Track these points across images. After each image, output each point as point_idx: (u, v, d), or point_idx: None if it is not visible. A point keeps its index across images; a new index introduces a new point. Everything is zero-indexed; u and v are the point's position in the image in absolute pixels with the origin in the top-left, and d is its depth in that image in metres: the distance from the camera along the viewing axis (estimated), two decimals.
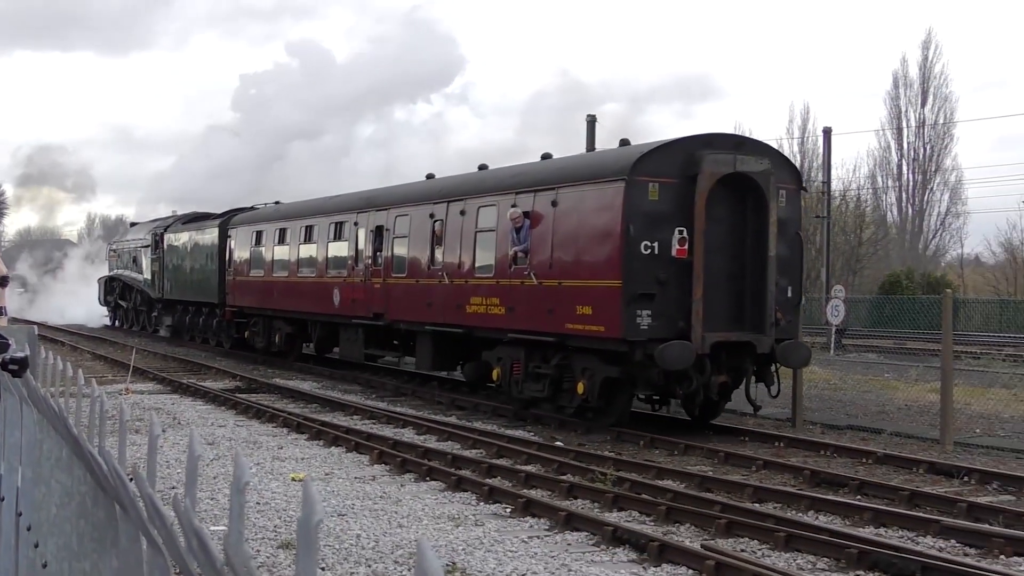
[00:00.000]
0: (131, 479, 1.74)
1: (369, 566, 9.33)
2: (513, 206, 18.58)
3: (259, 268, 31.08)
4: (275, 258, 30.03)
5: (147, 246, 41.97)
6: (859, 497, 12.58)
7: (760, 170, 16.54)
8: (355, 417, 19.59)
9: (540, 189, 18.33)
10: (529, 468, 14.25)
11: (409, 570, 9.22)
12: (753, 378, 17.34)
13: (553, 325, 17.52)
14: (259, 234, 31.46)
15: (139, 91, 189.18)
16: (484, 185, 20.69)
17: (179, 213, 43.38)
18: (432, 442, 16.66)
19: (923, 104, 69.02)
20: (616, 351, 16.48)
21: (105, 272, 50.82)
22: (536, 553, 9.95)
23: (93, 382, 2.67)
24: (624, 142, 19.04)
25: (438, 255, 21.29)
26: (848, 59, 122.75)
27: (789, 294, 17.15)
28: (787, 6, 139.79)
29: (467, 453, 15.56)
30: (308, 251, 28.03)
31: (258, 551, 9.57)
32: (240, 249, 32.63)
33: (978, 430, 17.89)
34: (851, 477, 13.31)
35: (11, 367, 1.99)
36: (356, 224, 25.07)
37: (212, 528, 10.17)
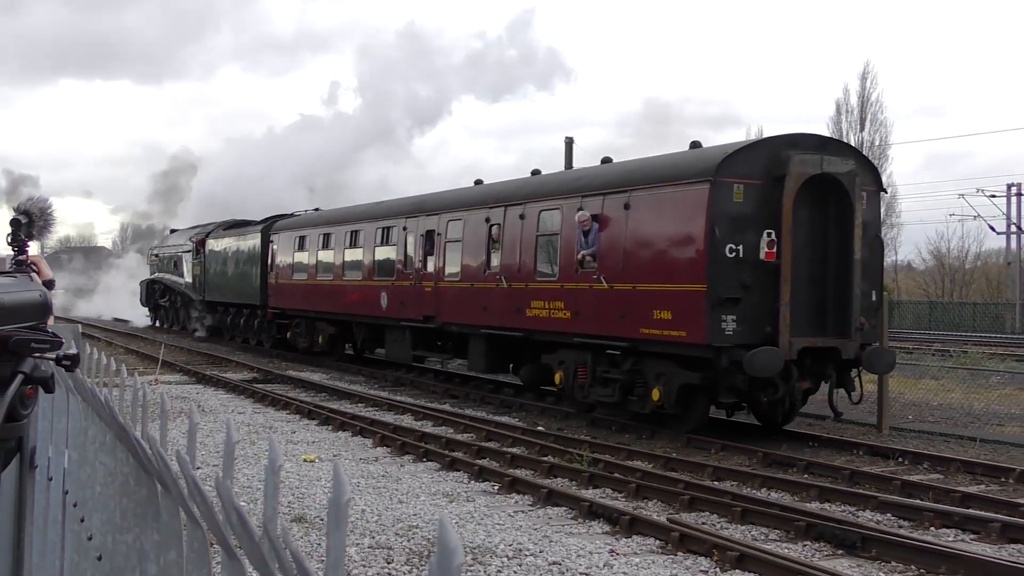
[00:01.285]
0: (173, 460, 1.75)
1: (373, 538, 9.31)
2: (579, 209, 16.74)
3: (302, 271, 29.37)
4: (319, 262, 28.25)
5: (188, 251, 40.63)
6: (806, 476, 12.62)
7: (846, 171, 14.87)
8: (360, 405, 19.56)
9: (610, 192, 16.38)
10: (514, 450, 14.25)
11: (408, 540, 9.21)
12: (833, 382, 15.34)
13: (625, 330, 15.65)
14: (302, 239, 29.72)
15: (170, 115, 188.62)
16: (545, 189, 18.82)
17: (217, 221, 41.27)
18: (428, 427, 16.65)
19: (862, 128, 69.34)
20: (697, 357, 14.71)
21: (146, 275, 49.24)
22: (521, 526, 9.96)
23: (136, 374, 2.67)
24: (695, 144, 16.61)
25: (494, 259, 19.40)
26: (798, 89, 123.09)
27: (872, 298, 15.48)
28: (743, 42, 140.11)
29: (459, 437, 15.55)
30: (354, 255, 26.19)
31: None
32: (282, 253, 31.03)
33: (911, 416, 17.95)
34: (798, 458, 13.35)
35: (64, 362, 1.99)
36: (405, 229, 23.20)
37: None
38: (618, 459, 13.59)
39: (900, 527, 10.09)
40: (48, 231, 2.92)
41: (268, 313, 31.79)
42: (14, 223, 2.80)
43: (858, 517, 10.45)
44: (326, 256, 27.83)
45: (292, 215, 33.56)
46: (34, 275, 2.66)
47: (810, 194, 14.77)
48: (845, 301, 14.87)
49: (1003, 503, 10.75)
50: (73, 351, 2.00)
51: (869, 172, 16.11)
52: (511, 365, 20.44)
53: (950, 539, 9.66)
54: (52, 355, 1.98)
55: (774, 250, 14.51)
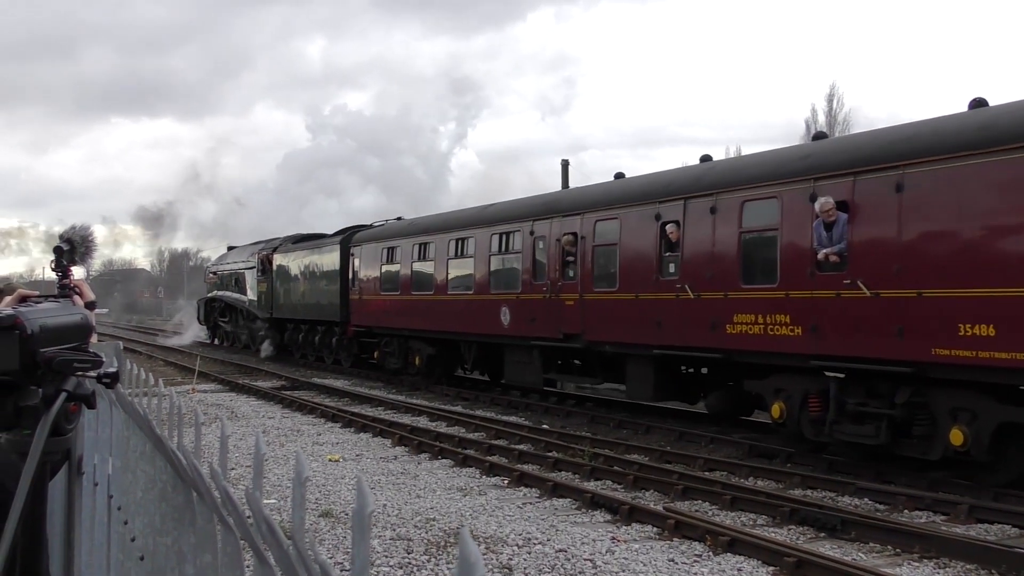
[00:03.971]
0: (207, 471, 1.72)
1: (394, 530, 9.25)
2: (813, 196, 12.07)
3: (393, 285, 24.45)
4: (415, 274, 23.40)
5: (251, 267, 36.14)
6: (789, 465, 12.54)
7: None
8: (379, 408, 19.50)
9: (865, 171, 11.60)
10: (522, 447, 14.19)
11: (427, 532, 9.15)
12: None
13: (903, 350, 10.96)
14: (391, 250, 24.78)
15: (208, 147, 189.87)
16: (748, 174, 13.71)
17: (285, 236, 36.44)
18: (442, 427, 16.58)
19: None
20: None
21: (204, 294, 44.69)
22: (529, 516, 9.89)
23: (172, 390, 2.63)
24: (978, 102, 11.39)
25: (670, 264, 14.72)
26: (769, 110, 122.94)
27: None
28: (715, 67, 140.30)
29: (471, 436, 15.48)
30: (461, 266, 21.34)
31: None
32: (367, 266, 26.14)
33: None
34: (782, 448, 13.27)
35: (104, 380, 1.96)
36: (533, 233, 18.50)
37: (265, 501, 10.10)
38: (617, 453, 13.53)
39: (877, 511, 10.02)
40: (89, 257, 2.90)
41: (349, 330, 27.59)
42: (57, 250, 2.78)
43: (838, 502, 10.38)
44: (423, 268, 23.12)
45: (371, 226, 28.65)
46: (76, 298, 2.63)
47: None
48: None
49: (970, 487, 10.67)
50: (112, 369, 1.96)
51: None
52: (695, 392, 16.03)
53: (922, 520, 9.59)
54: (93, 373, 1.94)
55: None
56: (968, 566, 8.02)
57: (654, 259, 15.03)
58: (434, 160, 57.79)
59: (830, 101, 70.42)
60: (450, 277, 21.68)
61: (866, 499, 10.52)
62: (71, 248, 2.76)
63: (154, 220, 61.50)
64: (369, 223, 29.23)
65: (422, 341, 23.50)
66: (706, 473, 12.04)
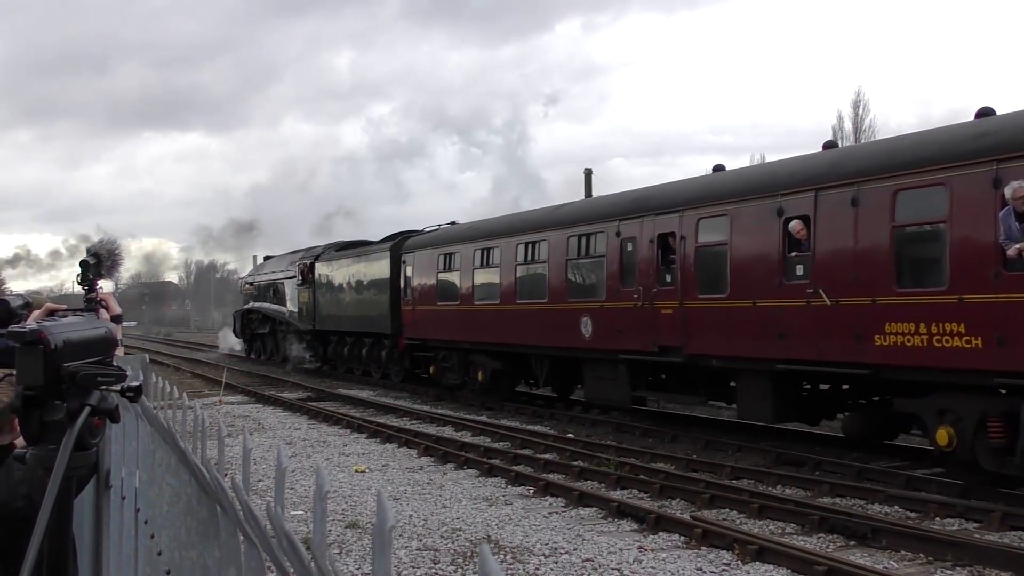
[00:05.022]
0: (229, 485, 1.71)
1: (420, 540, 9.24)
2: (1001, 181, 10.14)
3: (451, 295, 22.60)
4: (476, 283, 21.57)
5: (290, 277, 34.35)
6: (817, 473, 12.41)
7: None
8: (405, 419, 19.50)
9: None
10: (547, 456, 14.13)
11: (453, 542, 9.12)
12: None
13: None
14: (449, 257, 22.91)
15: (236, 159, 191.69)
16: (903, 159, 11.61)
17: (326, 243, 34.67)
18: (468, 437, 16.56)
19: None
20: None
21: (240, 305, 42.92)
22: (555, 526, 9.85)
23: (196, 403, 2.63)
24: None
25: (798, 266, 12.84)
26: (797, 117, 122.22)
27: None
28: (747, 77, 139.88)
29: (496, 445, 15.45)
30: (531, 273, 19.45)
31: (330, 530, 9.50)
32: (421, 275, 24.24)
33: None
34: (810, 456, 13.13)
35: (128, 394, 1.96)
36: (619, 235, 16.56)
37: (292, 512, 10.12)
38: (642, 462, 13.44)
39: (908, 519, 9.89)
40: (116, 270, 2.91)
41: (401, 343, 25.69)
42: (83, 264, 2.79)
43: (868, 510, 10.26)
44: (486, 276, 21.24)
45: (423, 231, 26.69)
46: (103, 311, 2.64)
47: None
48: None
49: (1002, 493, 10.51)
50: (136, 383, 1.96)
51: None
52: (818, 411, 14.06)
53: (954, 528, 9.46)
54: (117, 387, 1.94)
55: None
56: (1003, 574, 7.90)
57: (776, 260, 13.12)
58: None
59: (856, 107, 69.79)
60: (518, 285, 19.86)
61: (896, 507, 10.39)
62: (98, 262, 2.78)
63: (246, 229, 60.67)
64: (420, 228, 27.36)
65: (486, 355, 21.56)
66: (733, 481, 11.94)
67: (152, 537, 3.11)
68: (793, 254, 12.95)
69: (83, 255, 2.81)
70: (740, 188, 14.27)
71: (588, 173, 40.28)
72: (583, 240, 17.78)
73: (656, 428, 16.40)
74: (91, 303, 2.64)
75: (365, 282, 27.94)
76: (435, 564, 8.40)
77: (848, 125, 69.30)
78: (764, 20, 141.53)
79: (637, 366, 16.38)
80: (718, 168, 15.68)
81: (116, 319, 2.72)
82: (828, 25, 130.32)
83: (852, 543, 8.97)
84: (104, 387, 1.92)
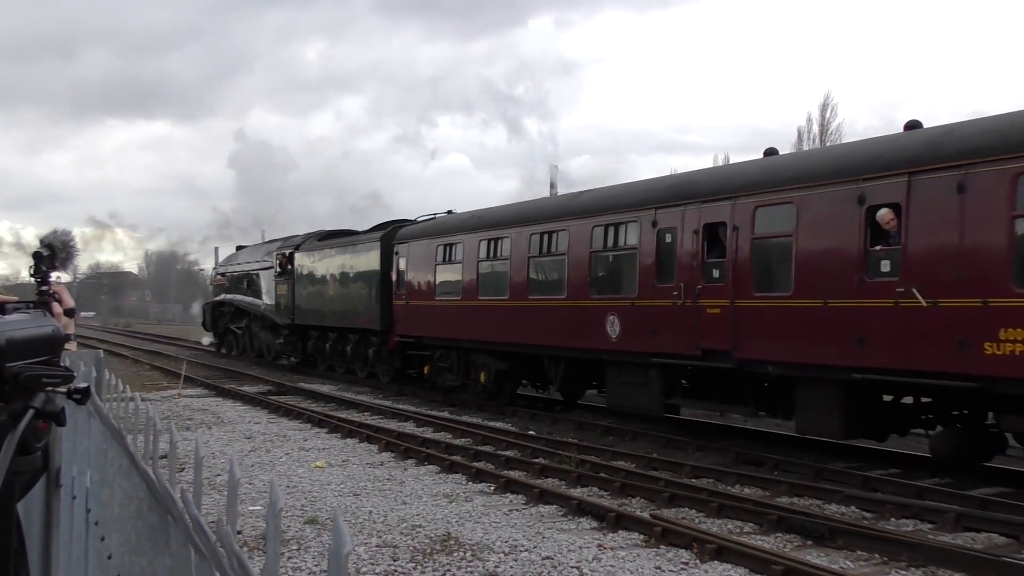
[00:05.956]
0: (179, 495, 1.63)
1: (380, 537, 9.15)
2: None
3: (452, 289, 20.87)
4: (481, 276, 19.81)
5: (267, 268, 32.30)
6: (776, 472, 12.48)
7: None
8: (366, 413, 19.36)
9: None
10: (508, 453, 14.10)
11: (412, 539, 9.05)
12: None
13: None
14: (449, 248, 21.13)
15: (202, 149, 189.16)
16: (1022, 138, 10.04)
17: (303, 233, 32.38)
18: (429, 433, 16.46)
19: None
20: None
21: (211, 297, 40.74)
22: (516, 523, 9.81)
23: (148, 404, 2.54)
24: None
25: (884, 261, 11.18)
26: (763, 119, 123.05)
27: None
28: (716, 77, 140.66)
29: (458, 442, 15.38)
30: (549, 265, 17.75)
31: (289, 526, 9.38)
32: (416, 268, 22.44)
33: None
34: (769, 456, 13.21)
35: (75, 396, 1.86)
36: (655, 224, 14.77)
37: (250, 508, 9.98)
38: (603, 460, 13.44)
39: (864, 519, 9.97)
40: (70, 263, 2.81)
41: (392, 340, 23.75)
42: (36, 256, 2.69)
43: (825, 510, 10.33)
44: (495, 268, 19.51)
45: (415, 221, 24.73)
46: (55, 304, 2.54)
47: None
48: None
49: (956, 495, 10.63)
50: (84, 384, 1.87)
51: None
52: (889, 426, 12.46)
53: (909, 529, 9.55)
54: (63, 389, 1.85)
55: None
56: (956, 574, 7.98)
57: (855, 255, 11.47)
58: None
59: (823, 110, 70.37)
60: (531, 279, 18.13)
61: (853, 507, 10.47)
62: (51, 253, 2.67)
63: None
64: (412, 218, 25.45)
65: (489, 355, 19.83)
66: (693, 480, 11.98)
67: (103, 539, 3.01)
68: (878, 248, 11.30)
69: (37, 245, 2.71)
70: (809, 172, 12.60)
71: (554, 169, 40.20)
72: (609, 230, 16.05)
73: (617, 426, 16.41)
74: (44, 295, 2.54)
75: (351, 274, 25.98)
76: (394, 561, 8.32)
77: (816, 127, 69.87)
78: (736, 21, 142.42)
79: (672, 371, 14.78)
80: (770, 152, 14.11)
81: (69, 312, 2.63)
82: (799, 28, 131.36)
83: (809, 543, 9.02)
84: (50, 388, 1.83)
